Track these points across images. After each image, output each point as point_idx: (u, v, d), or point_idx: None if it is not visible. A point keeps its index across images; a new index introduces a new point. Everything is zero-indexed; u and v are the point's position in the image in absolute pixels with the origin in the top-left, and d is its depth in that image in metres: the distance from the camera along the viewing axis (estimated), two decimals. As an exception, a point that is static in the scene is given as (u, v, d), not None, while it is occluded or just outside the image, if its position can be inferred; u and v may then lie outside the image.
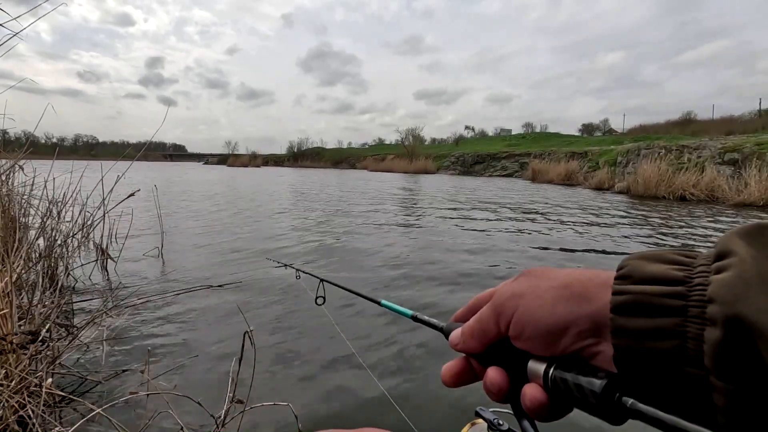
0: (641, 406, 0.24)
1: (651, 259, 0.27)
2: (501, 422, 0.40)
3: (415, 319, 0.50)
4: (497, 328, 0.32)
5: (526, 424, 0.31)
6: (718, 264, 0.24)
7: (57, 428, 1.41)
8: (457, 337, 0.36)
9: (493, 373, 0.32)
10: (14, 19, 2.29)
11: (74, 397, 1.68)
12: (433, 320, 0.45)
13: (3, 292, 1.75)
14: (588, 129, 76.89)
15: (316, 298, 1.09)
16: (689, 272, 0.25)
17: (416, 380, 2.04)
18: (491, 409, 0.46)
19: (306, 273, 1.44)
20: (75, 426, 1.30)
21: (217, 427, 1.35)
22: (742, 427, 0.21)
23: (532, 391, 0.29)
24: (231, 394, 1.40)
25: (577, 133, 71.54)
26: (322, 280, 1.12)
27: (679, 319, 0.24)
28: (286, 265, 1.88)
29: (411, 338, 2.48)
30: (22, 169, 3.27)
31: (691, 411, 0.24)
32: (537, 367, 0.30)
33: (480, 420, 0.42)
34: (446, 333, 0.39)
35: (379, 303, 0.66)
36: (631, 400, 0.24)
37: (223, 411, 1.39)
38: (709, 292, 0.23)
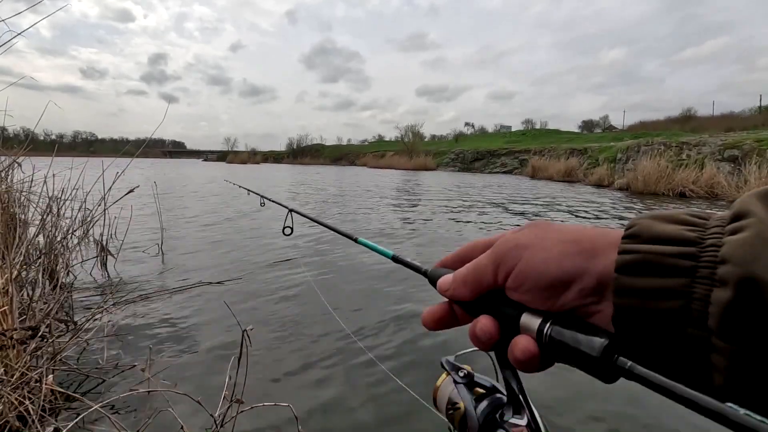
0: (639, 368, 0.24)
1: (662, 219, 0.27)
2: (464, 373, 0.40)
3: (395, 259, 0.49)
4: (494, 277, 0.32)
5: (508, 373, 0.32)
6: (733, 225, 0.24)
7: (55, 425, 1.42)
8: (447, 283, 0.35)
9: (485, 321, 0.31)
10: (15, 15, 2.27)
11: (74, 394, 1.68)
12: (415, 263, 0.44)
13: (3, 288, 1.76)
14: (588, 125, 76.82)
15: (284, 228, 1.08)
16: (702, 233, 0.25)
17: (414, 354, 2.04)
18: (456, 355, 0.45)
19: (272, 201, 1.40)
20: (73, 422, 1.31)
21: (216, 426, 1.36)
22: (740, 387, 0.21)
23: (524, 343, 0.29)
24: (230, 393, 1.41)
25: (576, 130, 71.51)
26: (290, 210, 1.11)
27: (686, 280, 0.23)
28: (249, 191, 1.83)
29: (410, 322, 2.49)
30: (20, 166, 3.27)
31: (687, 371, 0.24)
32: (531, 320, 0.29)
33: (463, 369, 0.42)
34: (430, 278, 0.39)
35: (356, 240, 0.64)
36: (629, 363, 0.24)
37: (223, 411, 1.40)
38: (721, 252, 0.23)
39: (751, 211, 0.23)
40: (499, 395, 0.42)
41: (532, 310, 0.30)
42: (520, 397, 0.33)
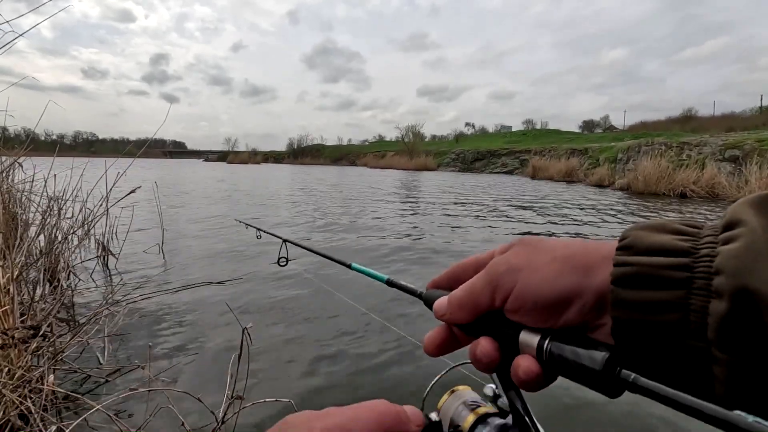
0: (642, 380, 0.23)
1: (655, 229, 0.27)
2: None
3: (389, 283, 0.48)
4: (491, 300, 0.31)
5: (512, 394, 0.31)
6: (726, 234, 0.23)
7: (57, 425, 1.42)
8: (443, 308, 0.34)
9: (485, 344, 0.31)
10: (19, 17, 2.26)
11: (75, 394, 1.68)
12: (410, 285, 0.43)
13: (4, 288, 1.76)
14: (588, 126, 76.83)
15: (279, 259, 1.05)
16: (695, 243, 0.24)
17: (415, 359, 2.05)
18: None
19: (268, 233, 1.38)
20: (75, 422, 1.31)
21: (217, 423, 1.36)
22: (741, 397, 0.21)
23: (526, 363, 0.28)
24: (231, 391, 1.41)
25: (577, 130, 71.52)
26: (284, 241, 1.08)
27: (682, 292, 0.23)
28: (247, 225, 1.83)
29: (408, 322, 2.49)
30: (21, 167, 3.27)
31: (688, 381, 0.24)
32: (530, 338, 0.29)
33: (459, 387, 0.41)
34: (425, 300, 0.38)
35: (349, 266, 0.62)
36: (633, 375, 0.24)
37: (224, 408, 1.40)
38: (716, 263, 0.22)
39: (743, 219, 0.23)
40: (500, 417, 0.40)
41: (529, 328, 0.29)
42: (526, 418, 0.32)
